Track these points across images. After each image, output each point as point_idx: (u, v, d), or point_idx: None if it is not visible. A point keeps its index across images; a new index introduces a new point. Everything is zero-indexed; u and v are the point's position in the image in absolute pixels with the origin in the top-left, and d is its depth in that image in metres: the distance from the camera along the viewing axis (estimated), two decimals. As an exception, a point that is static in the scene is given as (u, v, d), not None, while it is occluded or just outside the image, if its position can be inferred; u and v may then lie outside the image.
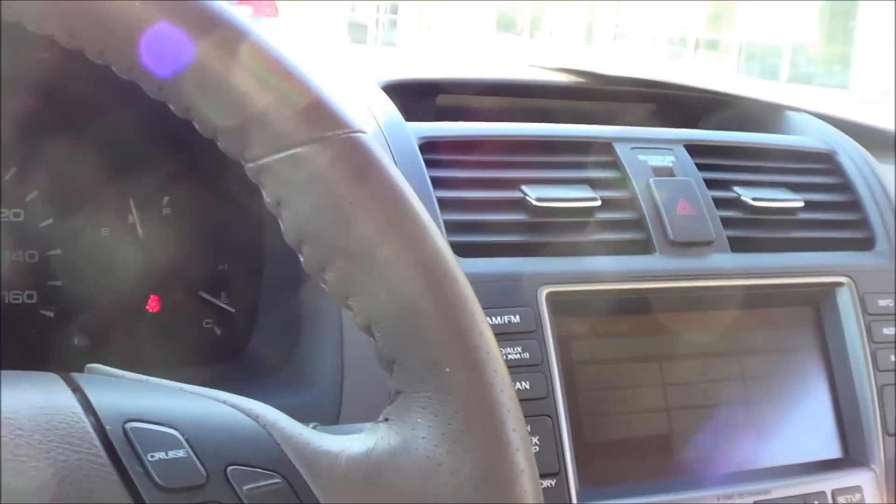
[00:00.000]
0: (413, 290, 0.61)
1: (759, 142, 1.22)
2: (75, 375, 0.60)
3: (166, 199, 1.10)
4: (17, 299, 1.07)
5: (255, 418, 0.61)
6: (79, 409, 0.55)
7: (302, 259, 0.63)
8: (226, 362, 1.10)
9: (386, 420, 0.63)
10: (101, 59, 0.58)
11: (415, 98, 1.22)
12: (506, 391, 0.62)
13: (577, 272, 1.01)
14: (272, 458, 0.59)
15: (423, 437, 0.61)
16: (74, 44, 0.58)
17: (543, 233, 1.03)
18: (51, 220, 1.07)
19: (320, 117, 0.61)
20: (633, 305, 1.04)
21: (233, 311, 1.12)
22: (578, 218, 1.04)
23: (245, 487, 0.57)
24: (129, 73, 0.59)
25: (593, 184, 1.07)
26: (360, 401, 0.93)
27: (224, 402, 0.61)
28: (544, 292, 0.98)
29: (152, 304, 1.10)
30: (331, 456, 0.60)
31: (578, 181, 1.07)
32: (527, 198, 1.02)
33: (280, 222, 0.63)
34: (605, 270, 1.02)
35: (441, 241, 0.63)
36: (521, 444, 0.62)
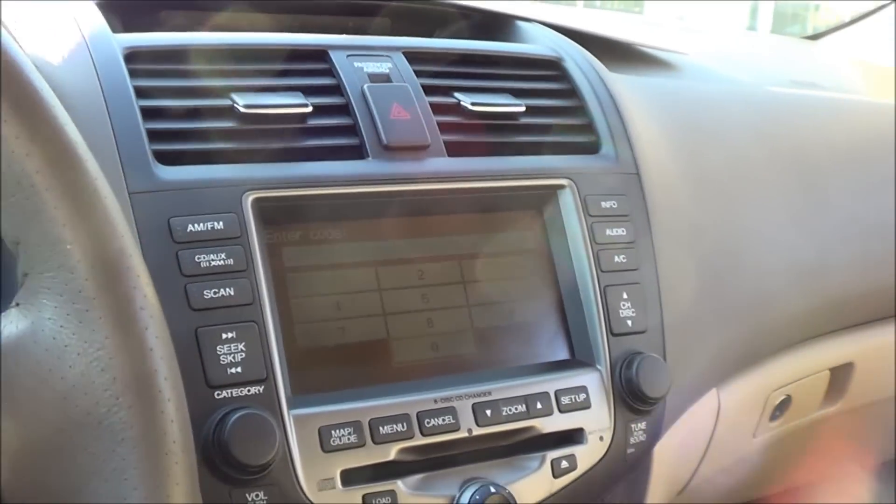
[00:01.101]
0: (31, 166, 0.59)
1: (481, 49, 1.22)
2: None
3: None
4: None
5: None
6: None
7: None
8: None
9: (17, 305, 0.61)
10: None
11: (139, 15, 1.19)
12: (133, 268, 0.61)
13: (286, 178, 0.99)
14: None
15: (49, 319, 0.59)
16: None
17: (252, 140, 1.01)
18: None
19: None
20: (347, 211, 1.03)
21: None
22: (288, 124, 1.03)
23: None
24: None
25: (307, 91, 1.05)
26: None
27: None
28: (250, 198, 0.96)
29: None
30: None
31: (292, 88, 1.05)
32: (235, 105, 1.00)
33: None
34: (315, 175, 1.01)
35: (62, 117, 0.61)
36: (149, 322, 0.61)
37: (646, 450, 1.15)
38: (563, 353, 1.12)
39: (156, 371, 0.60)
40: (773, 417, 1.51)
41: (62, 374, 0.59)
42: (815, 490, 1.88)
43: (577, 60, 1.26)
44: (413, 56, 1.14)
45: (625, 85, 1.28)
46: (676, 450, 1.25)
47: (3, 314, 0.62)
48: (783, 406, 1.51)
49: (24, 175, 0.59)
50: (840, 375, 1.59)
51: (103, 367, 0.59)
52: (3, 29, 0.61)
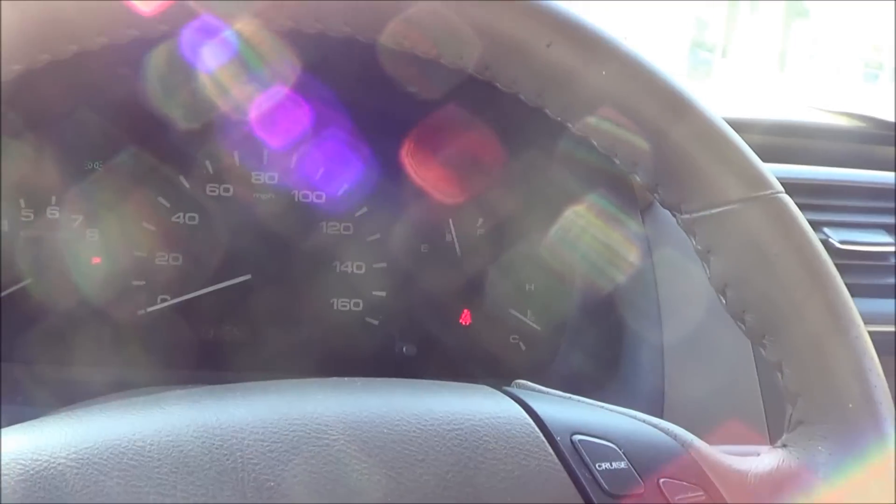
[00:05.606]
0: (821, 330, 0.68)
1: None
2: (511, 389, 0.69)
3: (480, 220, 1.19)
4: (345, 306, 1.17)
5: (674, 437, 0.69)
6: (529, 421, 0.65)
7: (724, 301, 0.70)
8: (531, 376, 1.18)
9: (784, 446, 0.70)
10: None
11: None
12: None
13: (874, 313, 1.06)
14: (694, 473, 0.67)
15: (823, 464, 0.68)
16: (488, 74, 0.66)
17: (845, 275, 1.08)
18: (377, 235, 1.17)
19: (752, 178, 0.67)
20: None
21: (538, 328, 1.20)
22: (876, 262, 1.09)
23: (676, 498, 0.65)
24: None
25: (888, 229, 1.12)
26: (681, 416, 0.97)
27: (644, 422, 0.70)
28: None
29: (465, 318, 1.19)
30: (741, 474, 0.69)
31: (874, 226, 1.12)
32: (829, 240, 1.08)
33: (706, 268, 0.70)
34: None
35: (845, 292, 0.70)
36: None
37: None
38: None
39: None
40: None
41: None
42: None
43: None
44: None
45: None
46: None
47: (768, 452, 0.71)
48: None
49: (816, 337, 0.67)
50: None
51: None
52: None
